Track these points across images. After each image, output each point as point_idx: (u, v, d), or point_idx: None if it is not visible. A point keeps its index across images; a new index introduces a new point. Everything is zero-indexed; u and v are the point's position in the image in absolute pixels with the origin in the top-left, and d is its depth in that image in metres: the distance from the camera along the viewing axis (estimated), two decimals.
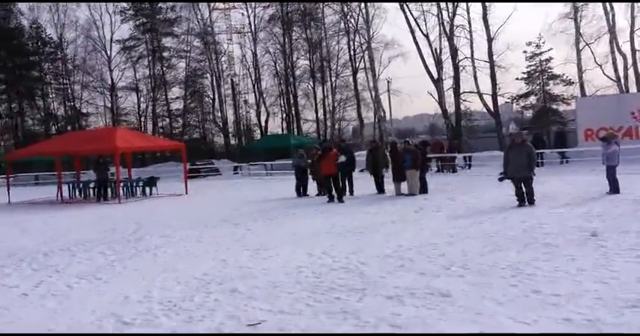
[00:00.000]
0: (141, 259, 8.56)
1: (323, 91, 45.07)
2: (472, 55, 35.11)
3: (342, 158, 15.73)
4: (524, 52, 36.26)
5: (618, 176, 13.00)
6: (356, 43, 43.00)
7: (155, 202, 18.93)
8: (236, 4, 45.35)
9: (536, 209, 11.20)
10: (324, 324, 5.04)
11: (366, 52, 40.51)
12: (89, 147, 20.69)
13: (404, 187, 15.46)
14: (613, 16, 32.02)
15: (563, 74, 35.62)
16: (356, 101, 43.45)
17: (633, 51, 31.97)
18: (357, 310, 5.33)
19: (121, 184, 20.37)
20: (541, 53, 35.75)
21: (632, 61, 31.98)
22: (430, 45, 35.61)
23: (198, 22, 45.58)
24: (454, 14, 34.88)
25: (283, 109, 46.94)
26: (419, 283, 6.11)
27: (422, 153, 15.99)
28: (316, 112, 45.51)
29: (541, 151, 22.45)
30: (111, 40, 46.29)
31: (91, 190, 21.28)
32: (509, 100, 38.05)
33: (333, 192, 15.06)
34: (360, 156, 20.10)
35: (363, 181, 16.58)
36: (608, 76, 33.01)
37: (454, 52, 35.08)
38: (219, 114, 47.02)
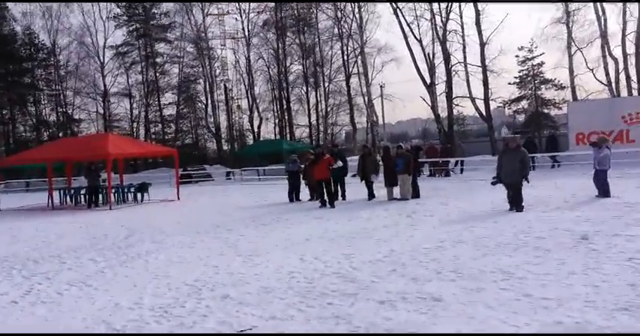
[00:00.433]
0: (132, 265, 8.52)
1: (316, 96, 45.17)
2: (465, 60, 35.27)
3: (340, 163, 15.75)
4: (517, 56, 36.45)
5: (608, 180, 13.06)
6: (349, 48, 43.18)
7: (147, 208, 18.86)
8: (230, 9, 45.46)
9: (527, 213, 11.21)
10: (316, 329, 5.03)
11: (360, 57, 40.63)
12: (81, 153, 20.63)
13: (396, 191, 15.47)
14: (605, 20, 32.26)
15: (555, 79, 35.83)
16: (349, 106, 43.53)
17: (624, 55, 32.18)
18: (349, 314, 5.33)
19: (113, 191, 20.29)
20: (533, 58, 35.91)
21: (624, 66, 32.19)
22: (423, 50, 35.74)
23: (191, 27, 45.61)
24: (447, 19, 35.00)
25: (276, 114, 46.99)
26: (411, 288, 6.11)
27: (414, 157, 16.01)
28: (309, 117, 45.58)
29: (533, 155, 22.52)
30: (104, 46, 46.27)
31: (82, 197, 21.19)
32: (501, 105, 38.16)
33: (325, 197, 15.06)
34: (353, 161, 20.09)
35: (355, 186, 16.58)
36: (599, 81, 33.23)
37: (447, 56, 35.19)
38: (212, 119, 47.00)
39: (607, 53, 32.33)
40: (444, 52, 35.22)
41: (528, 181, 11.84)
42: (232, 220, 13.50)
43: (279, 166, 27.60)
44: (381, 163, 16.75)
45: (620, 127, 23.91)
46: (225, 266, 7.92)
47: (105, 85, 46.55)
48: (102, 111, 47.23)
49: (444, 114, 36.18)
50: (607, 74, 32.52)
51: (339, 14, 42.17)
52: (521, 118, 39.85)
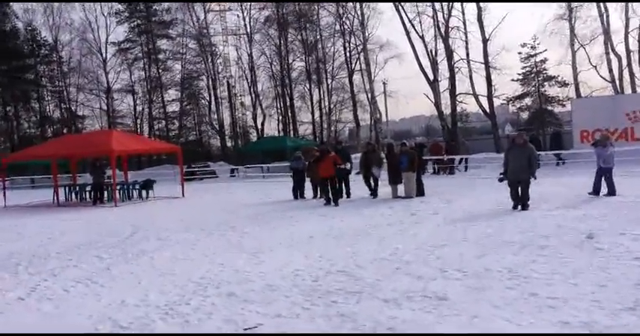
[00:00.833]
0: (137, 262, 8.54)
1: (319, 93, 45.15)
2: (467, 57, 35.12)
3: (348, 165, 15.84)
4: (519, 53, 36.41)
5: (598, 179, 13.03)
6: (352, 45, 43.11)
7: (151, 205, 18.90)
8: (231, 6, 45.40)
9: (532, 211, 11.20)
10: (321, 328, 5.04)
11: (362, 54, 40.55)
12: (85, 150, 20.67)
13: (400, 189, 15.46)
14: (607, 17, 32.15)
15: (558, 75, 35.77)
16: (352, 103, 43.49)
17: (628, 52, 32.10)
18: (354, 313, 5.33)
19: (117, 187, 20.32)
20: (536, 55, 35.90)
21: (627, 62, 32.10)
22: (425, 46, 35.58)
23: (193, 24, 45.57)
24: (449, 15, 34.86)
25: (279, 111, 46.97)
26: (415, 287, 6.11)
27: (418, 155, 15.99)
28: (312, 114, 45.56)
29: (537, 152, 22.48)
30: (106, 42, 46.23)
31: (87, 194, 21.23)
32: (504, 102, 38.15)
33: (330, 195, 15.05)
34: (357, 158, 20.09)
35: (359, 184, 16.56)
36: (603, 77, 33.13)
37: (449, 53, 35.07)
38: (216, 116, 46.99)
39: (610, 50, 32.24)
40: (446, 48, 35.10)
41: (535, 178, 11.76)
42: (237, 217, 13.51)
43: (283, 163, 27.62)
44: (385, 160, 16.75)
45: (624, 125, 23.85)
46: (230, 264, 7.93)
47: (108, 82, 46.58)
48: (105, 107, 47.30)
49: (447, 111, 36.11)
50: (610, 71, 32.43)
51: (341, 11, 42.08)
52: (524, 115, 39.82)
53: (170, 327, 5.35)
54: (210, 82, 46.34)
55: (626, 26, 31.99)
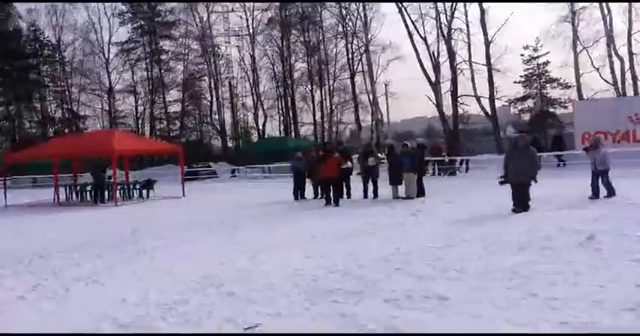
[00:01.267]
0: (138, 261, 8.55)
1: (321, 94, 45.16)
2: (470, 59, 35.19)
3: (349, 164, 15.80)
4: (522, 55, 36.41)
5: (600, 181, 12.91)
6: (354, 46, 43.13)
7: (152, 204, 18.91)
8: (234, 7, 45.45)
9: (533, 212, 11.19)
10: (321, 327, 5.03)
11: (364, 55, 40.61)
12: (87, 150, 20.69)
13: (401, 190, 15.45)
14: (610, 19, 32.15)
15: (561, 78, 35.77)
16: (354, 104, 43.51)
17: (630, 54, 32.07)
18: (354, 313, 5.32)
19: (118, 187, 20.34)
20: (538, 57, 35.90)
21: (630, 65, 32.09)
22: (428, 48, 35.66)
23: (196, 24, 45.65)
24: (452, 17, 34.96)
25: (281, 112, 47.00)
26: (416, 287, 6.10)
27: (420, 156, 15.98)
28: (314, 115, 45.59)
29: (538, 154, 22.47)
30: (109, 42, 46.38)
31: (88, 193, 21.24)
32: (506, 104, 38.14)
33: (331, 195, 15.03)
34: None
35: (360, 185, 16.54)
36: (605, 80, 33.11)
37: (452, 55, 35.12)
38: (217, 117, 47.08)
39: (613, 52, 32.22)
40: (448, 50, 35.16)
41: (536, 181, 11.66)
42: (237, 217, 13.52)
43: (284, 164, 27.61)
44: (384, 160, 16.76)
45: (626, 127, 23.82)
46: (230, 263, 7.93)
47: (110, 82, 46.72)
48: (107, 108, 47.36)
49: (449, 112, 36.13)
50: (613, 73, 32.41)
51: (344, 12, 42.15)
52: (526, 117, 39.80)
53: (170, 326, 5.35)
54: (213, 83, 46.44)
55: (629, 29, 32.00)
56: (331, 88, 45.30)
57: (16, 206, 20.31)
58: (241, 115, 48.99)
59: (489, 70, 34.22)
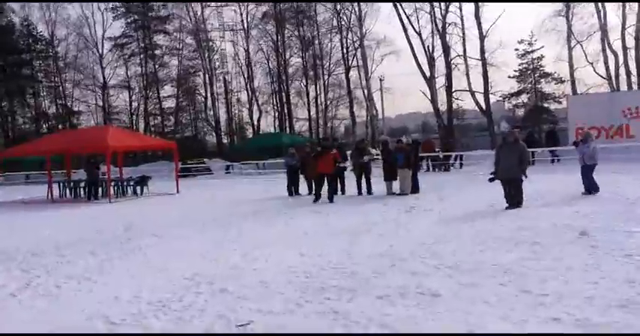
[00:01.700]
0: (131, 258, 8.53)
1: (315, 90, 45.14)
2: (464, 53, 35.20)
3: (347, 163, 15.81)
4: (516, 50, 36.42)
5: (596, 175, 12.83)
6: (349, 41, 43.11)
7: (146, 201, 18.87)
8: (229, 1, 45.25)
9: (526, 209, 11.20)
10: (315, 324, 5.03)
11: (359, 50, 40.56)
12: (80, 146, 20.61)
13: (395, 186, 15.46)
14: (604, 14, 32.19)
15: (555, 72, 35.81)
16: (348, 99, 43.48)
17: (624, 49, 32.14)
18: (347, 310, 5.33)
19: (112, 184, 20.29)
20: (533, 51, 35.91)
21: (624, 60, 32.14)
22: (422, 43, 35.65)
23: (190, 19, 45.50)
24: (446, 12, 34.92)
25: (276, 107, 46.92)
26: (410, 283, 6.11)
27: (414, 152, 15.99)
28: (309, 111, 45.55)
29: (533, 149, 22.55)
30: (102, 37, 46.26)
31: (82, 190, 21.18)
32: (501, 99, 38.16)
33: (324, 191, 15.00)
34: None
35: (354, 181, 16.53)
36: (599, 74, 33.20)
37: (446, 50, 35.12)
38: (212, 112, 46.98)
39: (607, 47, 32.28)
40: (443, 45, 35.15)
41: (526, 176, 11.54)
42: (231, 213, 13.50)
43: (279, 160, 27.59)
44: (378, 156, 16.76)
45: (620, 122, 23.88)
46: (224, 260, 7.92)
47: (104, 77, 46.62)
48: (101, 103, 47.20)
49: (443, 107, 36.15)
50: (607, 68, 32.50)
51: (339, 7, 42.05)
52: (520, 112, 39.88)
53: (163, 323, 5.34)
54: (207, 78, 46.32)
55: (623, 23, 32.04)
56: (326, 83, 45.29)
57: (9, 203, 20.24)
58: (236, 111, 48.97)
59: (484, 65, 34.25)
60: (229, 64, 47.48)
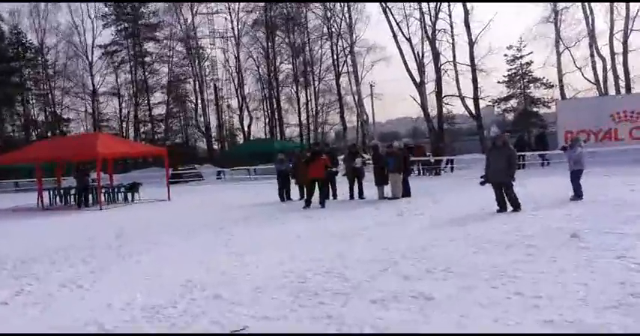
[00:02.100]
0: (123, 265, 8.48)
1: (306, 96, 45.21)
2: (454, 59, 35.44)
3: (341, 168, 15.80)
4: (505, 55, 36.69)
5: (585, 178, 12.78)
6: (339, 48, 43.17)
7: (137, 208, 18.79)
8: (219, 8, 45.31)
9: (518, 212, 11.24)
10: (309, 329, 5.03)
11: (349, 56, 40.68)
12: (70, 153, 20.50)
13: (387, 190, 15.49)
14: (592, 19, 32.47)
15: (544, 77, 36.09)
16: (339, 105, 43.57)
17: (612, 54, 32.41)
18: (341, 314, 5.33)
19: (103, 191, 20.19)
20: (522, 57, 36.19)
21: (612, 65, 32.42)
22: (412, 49, 35.85)
23: (180, 26, 45.44)
24: (436, 18, 35.18)
25: (266, 113, 46.94)
26: (403, 287, 6.12)
27: (404, 156, 16.03)
28: (299, 117, 45.60)
29: (523, 153, 22.70)
30: (92, 45, 46.08)
31: (72, 197, 21.06)
32: (490, 103, 38.41)
33: (317, 196, 15.00)
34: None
35: (345, 186, 16.55)
36: (587, 79, 33.47)
37: (436, 55, 35.32)
38: (202, 119, 46.93)
39: (595, 52, 32.55)
40: (433, 51, 35.38)
41: (514, 179, 11.52)
42: (223, 219, 13.46)
43: (270, 166, 27.57)
44: (369, 161, 16.78)
45: (608, 126, 24.08)
46: (216, 266, 7.90)
47: (94, 85, 46.47)
48: (91, 110, 47.03)
49: (433, 113, 36.34)
50: (595, 73, 32.75)
51: (329, 14, 42.19)
52: (510, 116, 40.13)
53: (157, 330, 5.32)
54: (197, 85, 46.25)
55: (611, 29, 32.33)
56: (316, 89, 45.39)
57: None
58: (226, 117, 48.92)
59: (473, 71, 34.49)
60: (220, 70, 47.57)
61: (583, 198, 12.37)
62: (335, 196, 16.28)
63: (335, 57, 43.37)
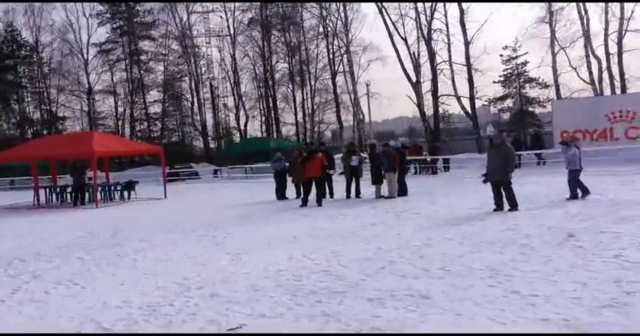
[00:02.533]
0: (120, 264, 8.48)
1: (302, 95, 45.11)
2: (450, 59, 35.44)
3: (339, 170, 15.79)
4: (501, 55, 36.68)
5: (581, 179, 12.65)
6: (335, 47, 43.05)
7: (134, 206, 18.76)
8: (215, 7, 45.20)
9: (514, 211, 11.26)
10: (306, 327, 5.04)
11: (345, 56, 40.63)
12: (66, 151, 20.46)
13: (383, 189, 15.50)
14: (587, 20, 32.52)
15: (539, 77, 36.10)
16: (335, 104, 43.52)
17: (607, 54, 32.48)
18: (338, 312, 5.34)
19: (99, 189, 20.15)
20: (517, 57, 36.17)
21: (607, 65, 32.48)
22: (408, 48, 35.83)
23: (176, 25, 45.31)
24: (432, 18, 35.18)
25: (263, 112, 46.87)
26: (399, 285, 6.14)
27: (400, 156, 16.04)
28: (296, 116, 45.51)
29: (518, 152, 22.74)
30: (87, 43, 45.89)
31: (68, 195, 21.01)
32: (486, 103, 38.42)
33: (313, 196, 15.02)
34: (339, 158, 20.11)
35: (342, 185, 16.57)
36: (583, 79, 33.51)
37: (432, 55, 35.35)
38: (198, 117, 46.78)
39: (590, 52, 32.62)
40: (429, 50, 35.39)
41: (511, 177, 11.48)
42: (220, 218, 13.46)
43: (266, 164, 27.56)
44: (366, 160, 16.79)
45: (604, 126, 24.15)
46: (213, 264, 7.91)
47: (89, 83, 46.22)
48: (86, 109, 46.89)
49: (429, 112, 36.38)
50: (590, 73, 32.82)
51: (324, 13, 42.08)
52: (506, 116, 40.16)
53: (153, 328, 5.32)
54: (193, 84, 46.12)
55: (606, 29, 32.36)
56: (313, 88, 45.29)
57: None
58: (223, 116, 48.81)
59: (469, 70, 34.53)
60: (215, 69, 47.38)
61: (580, 197, 12.40)
62: (332, 194, 16.30)
63: (331, 56, 43.32)
